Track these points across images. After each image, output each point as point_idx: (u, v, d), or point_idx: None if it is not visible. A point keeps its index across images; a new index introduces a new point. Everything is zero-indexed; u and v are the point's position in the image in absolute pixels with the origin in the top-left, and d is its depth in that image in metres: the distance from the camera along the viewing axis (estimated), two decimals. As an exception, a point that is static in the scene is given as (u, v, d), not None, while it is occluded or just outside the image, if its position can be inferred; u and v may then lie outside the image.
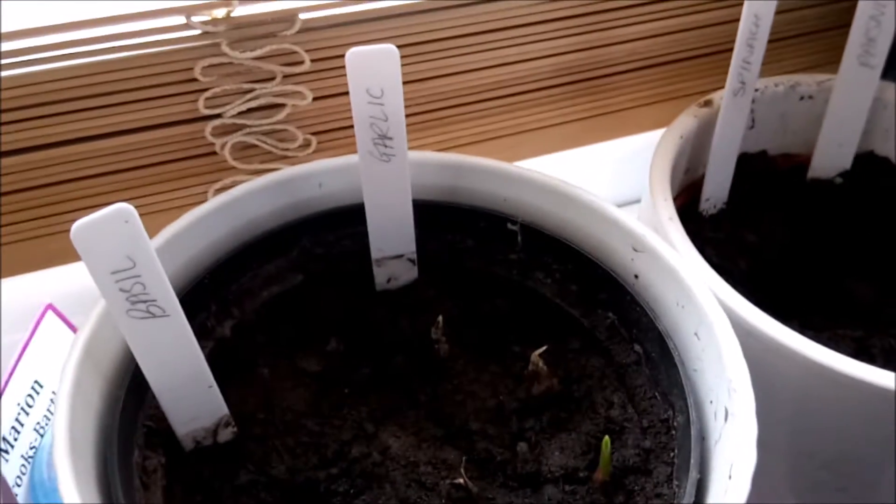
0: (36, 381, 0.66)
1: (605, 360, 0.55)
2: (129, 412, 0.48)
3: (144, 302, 0.43)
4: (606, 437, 0.47)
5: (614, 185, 0.88)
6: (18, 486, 0.62)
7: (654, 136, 0.83)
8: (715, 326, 0.48)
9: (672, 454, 0.48)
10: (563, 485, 0.50)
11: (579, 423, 0.54)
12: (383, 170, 0.53)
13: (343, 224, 0.58)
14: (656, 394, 0.52)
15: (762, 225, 0.67)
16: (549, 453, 0.52)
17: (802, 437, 0.52)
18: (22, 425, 0.64)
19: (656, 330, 0.51)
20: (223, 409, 0.51)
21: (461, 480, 0.50)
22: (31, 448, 0.64)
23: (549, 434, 0.54)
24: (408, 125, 0.53)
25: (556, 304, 0.57)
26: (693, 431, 0.46)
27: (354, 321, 0.58)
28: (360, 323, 0.58)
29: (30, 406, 0.66)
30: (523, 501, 0.50)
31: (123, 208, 0.40)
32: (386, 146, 0.52)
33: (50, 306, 0.70)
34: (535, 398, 0.55)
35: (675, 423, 0.49)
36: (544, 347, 0.54)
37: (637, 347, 0.54)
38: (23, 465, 0.63)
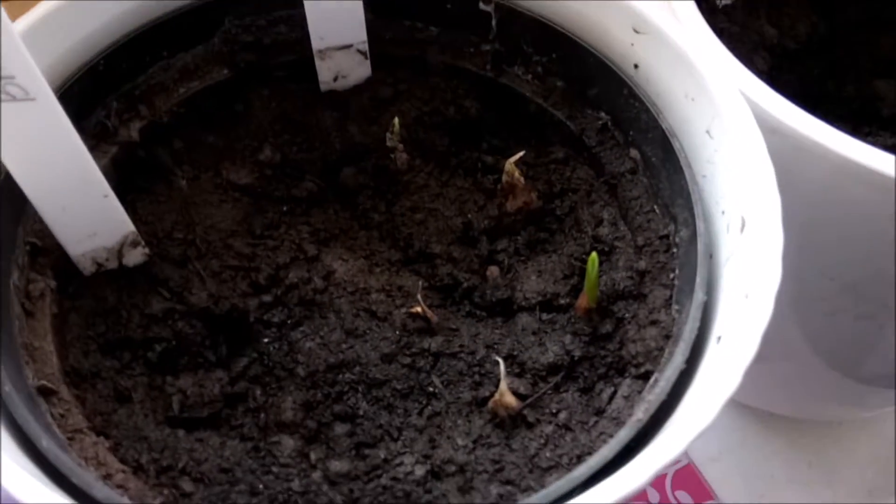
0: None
1: (595, 170, 0.46)
2: (2, 225, 0.38)
3: (-4, 77, 0.33)
4: (594, 254, 0.38)
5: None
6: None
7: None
8: (733, 120, 0.39)
9: (672, 275, 0.40)
10: (539, 313, 0.42)
11: (561, 245, 0.45)
12: (319, -76, 0.41)
13: (276, 4, 0.47)
14: (655, 207, 0.43)
15: (783, 17, 0.56)
16: (525, 278, 0.44)
17: (825, 254, 0.43)
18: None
19: (659, 129, 0.42)
20: (128, 226, 0.42)
21: (418, 308, 0.42)
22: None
23: (524, 257, 0.45)
24: None
25: (537, 105, 0.47)
26: (700, 246, 0.38)
27: (294, 126, 0.48)
28: (300, 128, 0.48)
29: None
30: (492, 332, 0.42)
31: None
32: None
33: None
34: (509, 216, 0.46)
35: (677, 239, 0.40)
36: (521, 153, 0.44)
37: (633, 153, 0.44)
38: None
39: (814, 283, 0.45)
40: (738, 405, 0.63)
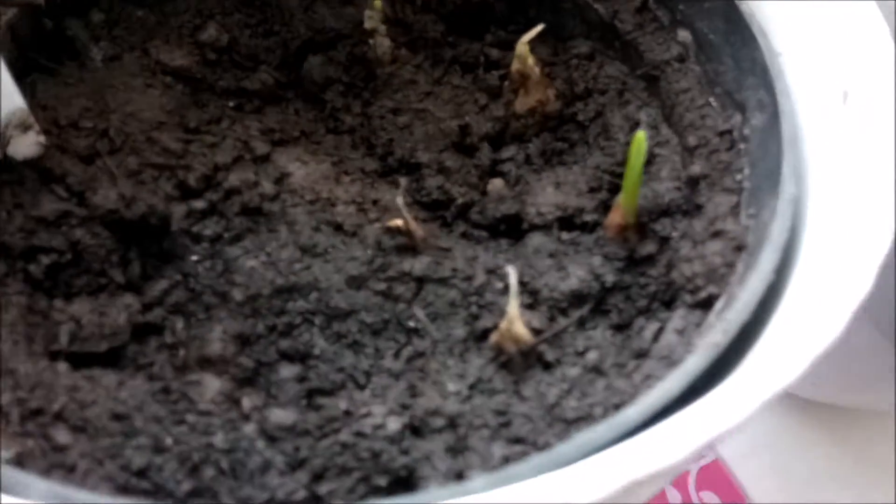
0: None
1: (630, 64, 0.36)
2: None
3: None
4: (640, 133, 0.28)
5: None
6: None
7: None
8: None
9: (739, 176, 0.30)
10: (558, 232, 0.32)
11: (584, 157, 0.35)
12: None
13: None
14: (710, 99, 0.33)
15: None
16: (539, 190, 0.34)
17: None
18: None
19: (720, -6, 0.32)
20: (15, 100, 0.31)
21: (398, 221, 0.32)
22: None
23: (536, 167, 0.35)
24: None
25: (555, -14, 0.38)
26: (785, 129, 0.28)
27: (248, 4, 0.38)
28: (256, 7, 0.38)
29: None
30: (495, 255, 0.32)
31: None
32: None
33: None
34: (518, 119, 0.36)
35: (746, 132, 0.30)
36: (539, 27, 0.34)
37: (682, 35, 0.34)
38: None
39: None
40: (775, 390, 0.53)
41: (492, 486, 0.20)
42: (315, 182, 0.34)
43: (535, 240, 0.32)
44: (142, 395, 0.27)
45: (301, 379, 0.29)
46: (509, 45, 0.38)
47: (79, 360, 0.28)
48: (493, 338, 0.28)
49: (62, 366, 0.27)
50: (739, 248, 0.27)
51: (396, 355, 0.29)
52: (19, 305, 0.29)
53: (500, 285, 0.31)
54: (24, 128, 0.32)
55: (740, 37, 0.31)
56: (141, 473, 0.25)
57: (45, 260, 0.30)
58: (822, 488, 0.53)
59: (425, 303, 0.31)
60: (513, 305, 0.27)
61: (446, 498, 0.21)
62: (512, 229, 0.33)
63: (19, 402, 0.26)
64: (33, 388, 0.26)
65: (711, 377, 0.23)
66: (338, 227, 0.32)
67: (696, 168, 0.31)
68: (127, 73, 0.36)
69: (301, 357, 0.29)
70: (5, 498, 0.19)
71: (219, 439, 0.26)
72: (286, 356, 0.29)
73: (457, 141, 0.36)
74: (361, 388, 0.29)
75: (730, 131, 0.31)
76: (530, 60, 0.35)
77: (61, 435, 0.25)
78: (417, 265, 0.31)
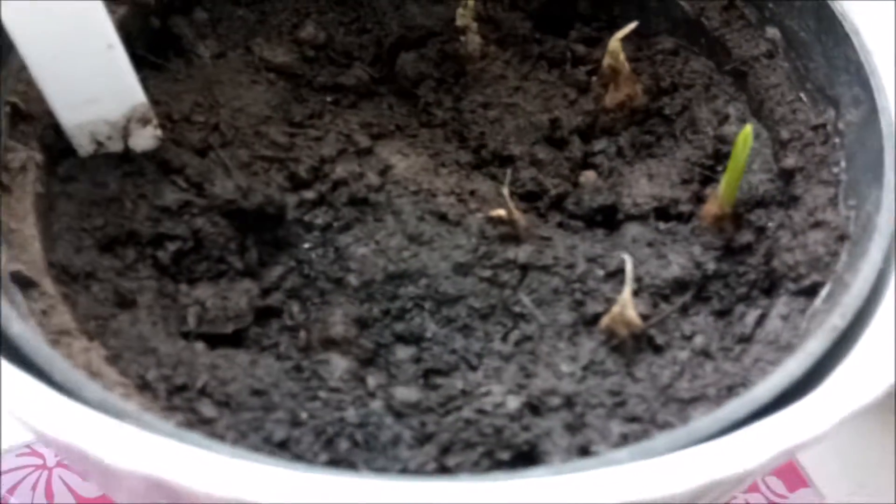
0: None
1: (716, 59, 0.37)
2: (-25, 72, 0.30)
3: None
4: (748, 127, 0.29)
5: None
6: None
7: None
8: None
9: (836, 169, 0.31)
10: (654, 221, 0.34)
11: (672, 150, 0.37)
12: None
13: None
14: (801, 94, 0.34)
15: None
16: (633, 182, 0.35)
17: None
18: None
19: (812, -8, 0.33)
20: (137, 95, 0.33)
21: (501, 212, 0.33)
22: None
23: (628, 159, 0.37)
24: None
25: (641, -16, 0.39)
26: (883, 123, 0.29)
27: (342, 2, 0.40)
28: (350, 5, 0.40)
29: None
30: (593, 245, 0.34)
31: None
32: None
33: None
34: (607, 113, 0.38)
35: (841, 126, 0.32)
36: (633, 24, 0.35)
37: (771, 32, 0.36)
38: None
39: None
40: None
41: (635, 457, 0.22)
42: (416, 174, 0.35)
43: (633, 230, 0.34)
44: (276, 373, 0.28)
45: (417, 360, 0.30)
46: (594, 42, 0.40)
47: (207, 341, 0.30)
48: (604, 322, 0.29)
49: (199, 345, 0.29)
50: (842, 238, 0.29)
51: (505, 339, 0.31)
52: (151, 289, 0.31)
53: (600, 273, 0.32)
54: (144, 121, 0.34)
55: (832, 35, 0.32)
56: (282, 445, 0.26)
57: (171, 247, 0.32)
58: (885, 478, 0.54)
59: (530, 289, 0.32)
60: (627, 290, 0.28)
61: (575, 470, 0.23)
62: (608, 219, 0.35)
63: (165, 378, 0.28)
64: (175, 366, 0.28)
65: (827, 361, 0.24)
66: (442, 217, 0.34)
67: (791, 161, 0.33)
68: (232, 70, 0.37)
69: (415, 339, 0.31)
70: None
71: (350, 414, 0.27)
72: (401, 338, 0.31)
73: (547, 134, 0.38)
74: (474, 369, 0.30)
75: (823, 125, 0.32)
76: (622, 56, 0.36)
77: (207, 409, 0.27)
78: (521, 253, 0.33)
